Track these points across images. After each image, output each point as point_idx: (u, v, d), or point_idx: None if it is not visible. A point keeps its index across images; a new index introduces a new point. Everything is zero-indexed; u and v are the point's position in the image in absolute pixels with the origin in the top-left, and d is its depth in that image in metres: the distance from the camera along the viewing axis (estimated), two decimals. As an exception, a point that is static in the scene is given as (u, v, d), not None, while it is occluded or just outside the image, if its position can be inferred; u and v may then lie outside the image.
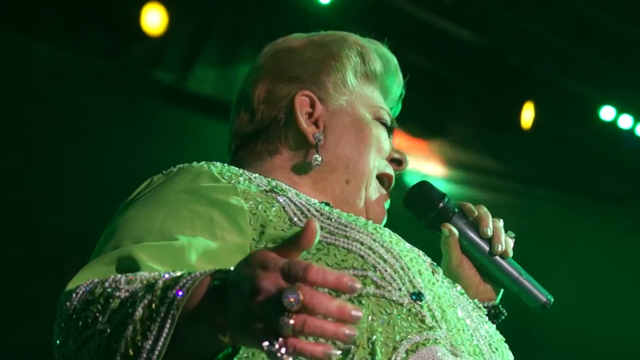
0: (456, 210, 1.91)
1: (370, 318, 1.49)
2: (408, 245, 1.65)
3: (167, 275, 1.28)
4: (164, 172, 1.68)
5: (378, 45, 1.95)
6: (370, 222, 1.64)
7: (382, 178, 1.90)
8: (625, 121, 4.89)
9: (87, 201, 4.11)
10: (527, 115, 4.79)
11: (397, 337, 1.49)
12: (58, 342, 1.38)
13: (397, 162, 1.92)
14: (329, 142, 1.83)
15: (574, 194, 5.03)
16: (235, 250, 1.53)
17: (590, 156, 4.96)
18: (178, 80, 4.63)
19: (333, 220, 1.61)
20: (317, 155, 1.81)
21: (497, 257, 1.87)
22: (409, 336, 1.49)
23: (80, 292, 1.35)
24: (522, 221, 4.77)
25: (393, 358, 1.47)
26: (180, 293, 1.23)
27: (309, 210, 1.62)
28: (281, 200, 1.62)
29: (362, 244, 1.56)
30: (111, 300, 1.30)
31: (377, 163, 1.87)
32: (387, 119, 1.91)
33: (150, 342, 1.23)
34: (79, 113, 4.19)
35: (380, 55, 1.93)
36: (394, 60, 1.95)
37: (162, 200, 1.58)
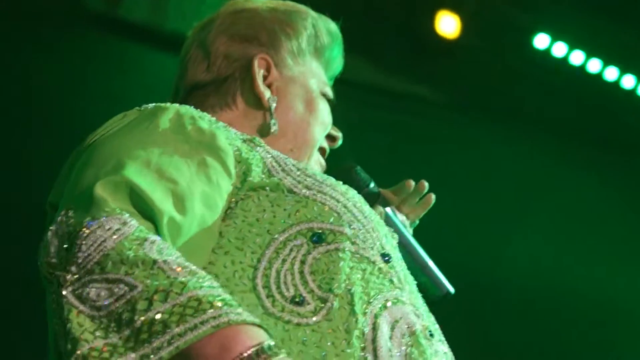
0: (378, 196, 2.02)
1: (348, 271, 1.54)
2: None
3: (219, 293, 1.30)
4: (138, 108, 1.66)
5: (328, 21, 1.99)
6: (340, 182, 1.68)
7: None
8: (560, 49, 4.89)
9: (20, 135, 4.06)
10: (450, 25, 4.70)
11: (372, 293, 1.54)
12: (51, 255, 1.36)
13: (332, 138, 1.97)
14: (280, 108, 1.87)
15: (510, 121, 5.04)
16: (226, 197, 1.55)
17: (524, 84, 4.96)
18: (109, 7, 4.55)
19: (309, 175, 1.64)
20: (274, 120, 1.84)
21: (411, 243, 1.94)
22: (381, 293, 1.55)
23: (115, 227, 1.34)
24: (459, 151, 4.83)
25: (369, 311, 1.52)
26: (207, 326, 1.26)
27: (285, 164, 1.65)
28: (260, 150, 1.66)
29: (337, 201, 1.61)
30: (154, 269, 1.30)
31: (321, 136, 1.92)
32: (331, 95, 1.96)
33: (179, 329, 1.26)
34: (6, 43, 4.10)
35: (329, 32, 1.97)
36: (340, 38, 2.00)
37: (151, 136, 1.55)
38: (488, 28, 4.74)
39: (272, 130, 1.83)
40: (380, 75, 4.89)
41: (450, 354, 1.63)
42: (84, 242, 1.33)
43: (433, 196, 2.09)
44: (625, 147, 5.03)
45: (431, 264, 1.95)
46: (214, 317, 1.26)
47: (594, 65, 4.90)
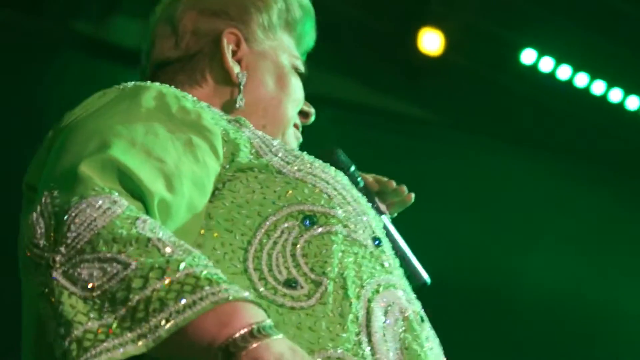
0: (360, 182, 1.98)
1: (340, 254, 1.51)
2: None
3: (215, 271, 1.27)
4: (118, 86, 1.60)
5: None
6: (328, 164, 1.65)
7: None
8: (546, 64, 4.89)
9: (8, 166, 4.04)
10: (432, 42, 4.68)
11: (364, 276, 1.51)
12: (37, 237, 1.31)
13: (304, 114, 1.93)
14: (250, 84, 1.83)
15: (501, 140, 5.04)
16: (214, 177, 1.51)
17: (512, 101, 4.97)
18: (98, 31, 4.55)
19: (298, 156, 1.61)
20: (241, 96, 1.80)
21: (391, 233, 1.93)
22: (373, 277, 1.53)
23: (105, 206, 1.30)
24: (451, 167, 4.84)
25: (362, 294, 1.49)
26: (208, 300, 1.23)
27: (273, 145, 1.62)
28: (246, 131, 1.62)
29: (327, 183, 1.57)
30: (149, 247, 1.27)
31: (294, 112, 1.88)
32: (303, 69, 1.92)
33: (178, 306, 1.22)
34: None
35: (301, 5, 1.94)
36: (312, 13, 1.96)
37: (134, 114, 1.50)
38: (473, 44, 4.74)
39: (237, 106, 1.79)
40: (365, 94, 4.88)
41: (437, 339, 1.61)
42: (72, 221, 1.28)
43: (412, 195, 2.05)
44: (615, 161, 5.05)
45: (409, 253, 1.94)
46: (213, 294, 1.22)
47: (581, 80, 4.92)
